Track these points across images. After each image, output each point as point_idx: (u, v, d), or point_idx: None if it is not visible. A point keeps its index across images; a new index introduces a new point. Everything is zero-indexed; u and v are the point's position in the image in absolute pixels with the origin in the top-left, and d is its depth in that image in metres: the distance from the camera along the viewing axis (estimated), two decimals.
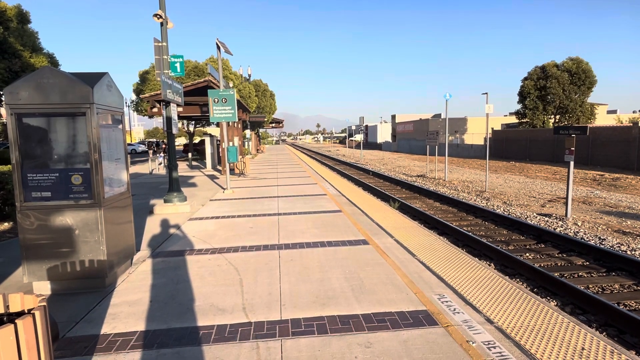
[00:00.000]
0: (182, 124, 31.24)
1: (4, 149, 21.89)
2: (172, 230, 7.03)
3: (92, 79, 4.20)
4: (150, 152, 25.96)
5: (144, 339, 3.23)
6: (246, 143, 31.13)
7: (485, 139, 29.72)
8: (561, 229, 8.89)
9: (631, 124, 23.92)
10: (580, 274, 6.18)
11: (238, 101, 17.87)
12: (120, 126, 4.86)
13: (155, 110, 19.51)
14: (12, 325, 1.61)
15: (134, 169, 22.22)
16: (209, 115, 11.52)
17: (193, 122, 31.41)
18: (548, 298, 5.40)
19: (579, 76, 32.50)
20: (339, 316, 3.56)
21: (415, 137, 50.92)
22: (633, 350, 4.11)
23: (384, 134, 74.30)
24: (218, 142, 21.34)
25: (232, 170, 16.87)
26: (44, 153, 4.11)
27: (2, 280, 4.71)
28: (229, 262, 5.15)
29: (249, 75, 39.52)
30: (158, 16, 8.50)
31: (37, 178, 4.08)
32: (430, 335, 3.21)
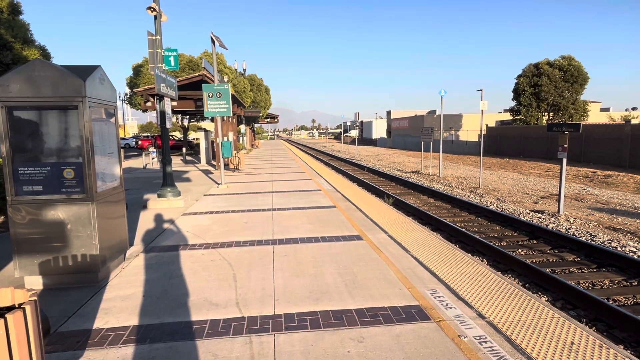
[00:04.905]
0: (177, 118, 31.08)
1: None
2: (165, 225, 7.00)
3: (84, 72, 4.15)
4: (151, 147, 25.75)
5: (137, 334, 3.23)
6: (241, 138, 31.02)
7: (479, 136, 29.85)
8: (553, 225, 8.97)
9: (624, 122, 24.14)
10: (571, 269, 6.25)
11: (233, 96, 17.79)
12: (113, 120, 4.82)
13: (149, 104, 19.36)
14: (2, 320, 1.60)
15: (128, 163, 22.07)
16: (203, 110, 11.46)
17: (187, 117, 31.22)
18: (539, 294, 5.46)
19: (571, 74, 32.68)
20: (332, 311, 3.57)
21: (410, 134, 51.02)
22: (621, 344, 4.17)
23: (379, 130, 74.37)
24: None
25: (226, 166, 16.81)
26: (35, 147, 4.07)
27: None
28: (222, 257, 5.14)
29: (244, 70, 39.32)
30: (152, 9, 8.41)
31: (28, 172, 4.04)
32: (423, 330, 3.23)
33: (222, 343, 3.07)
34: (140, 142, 39.04)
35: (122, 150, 5.10)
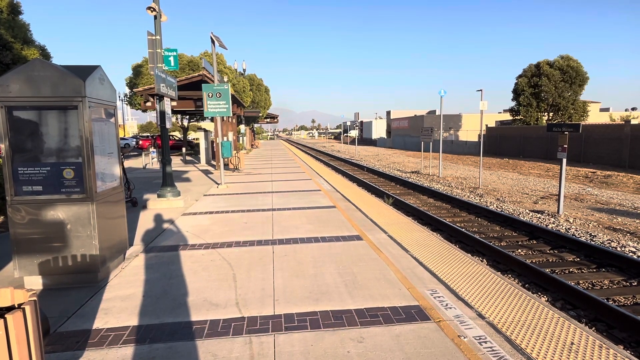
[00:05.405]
0: (176, 118, 31.07)
1: None
2: (165, 225, 7.00)
3: (84, 72, 4.15)
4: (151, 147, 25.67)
5: (137, 334, 3.23)
6: (241, 138, 31.02)
7: (479, 136, 29.86)
8: (553, 225, 8.97)
9: (623, 122, 24.14)
10: (571, 270, 6.25)
11: (232, 96, 17.78)
12: (113, 120, 4.82)
13: (148, 104, 19.35)
14: (2, 320, 1.60)
15: (128, 163, 22.05)
16: (203, 110, 11.46)
17: (187, 117, 31.22)
18: (539, 294, 5.46)
19: (569, 74, 32.69)
20: (332, 311, 3.57)
21: (410, 134, 51.02)
22: (621, 344, 4.17)
23: (379, 130, 74.38)
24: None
25: (226, 166, 16.81)
26: (35, 147, 4.07)
27: None
28: (222, 257, 5.14)
29: (244, 70, 39.33)
30: (152, 9, 8.41)
31: (28, 172, 4.04)
32: (423, 330, 3.23)
33: (221, 343, 3.07)
34: (141, 142, 38.96)
35: (122, 150, 5.09)
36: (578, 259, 6.66)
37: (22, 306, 1.73)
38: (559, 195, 9.88)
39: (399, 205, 11.08)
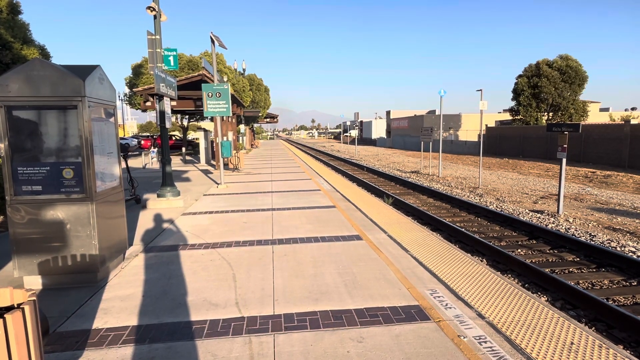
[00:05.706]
0: (176, 118, 31.05)
1: None
2: (165, 225, 6.99)
3: (83, 72, 4.14)
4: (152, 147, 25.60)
5: (136, 334, 3.22)
6: (240, 138, 31.00)
7: (479, 136, 29.86)
8: (553, 225, 8.97)
9: (623, 122, 24.14)
10: (570, 269, 6.25)
11: (232, 95, 17.77)
12: (113, 120, 4.82)
13: (148, 104, 19.34)
14: (1, 320, 1.59)
15: (129, 163, 22.02)
16: (203, 110, 11.46)
17: (187, 117, 31.21)
18: (539, 293, 5.46)
19: (569, 74, 32.69)
20: (332, 311, 3.57)
21: (410, 134, 51.01)
22: (621, 344, 4.17)
23: (378, 130, 74.37)
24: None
25: (226, 165, 16.80)
26: (34, 146, 4.06)
27: None
28: (222, 257, 5.14)
29: (244, 70, 39.31)
30: (151, 9, 8.41)
31: (27, 172, 4.03)
32: (422, 330, 3.23)
33: (221, 343, 3.07)
34: (143, 142, 38.90)
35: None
36: (578, 259, 6.66)
37: (21, 306, 1.73)
38: (558, 195, 9.88)
39: (399, 205, 11.07)
